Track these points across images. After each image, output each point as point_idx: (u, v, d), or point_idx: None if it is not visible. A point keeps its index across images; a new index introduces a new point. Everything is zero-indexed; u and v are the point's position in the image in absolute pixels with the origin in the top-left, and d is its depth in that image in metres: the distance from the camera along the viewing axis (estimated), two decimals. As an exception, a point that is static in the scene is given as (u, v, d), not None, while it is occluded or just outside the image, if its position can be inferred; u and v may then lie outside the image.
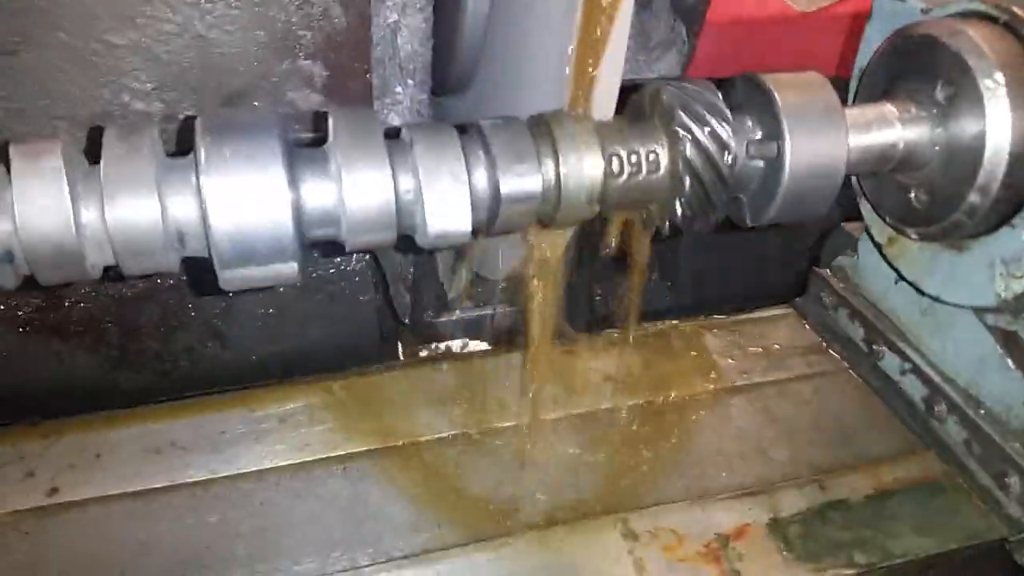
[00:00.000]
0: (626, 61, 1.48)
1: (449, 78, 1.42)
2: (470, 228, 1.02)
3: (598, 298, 2.28)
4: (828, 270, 1.73)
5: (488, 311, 1.81)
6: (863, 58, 1.39)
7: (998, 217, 1.18)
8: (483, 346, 1.82)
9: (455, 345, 1.84)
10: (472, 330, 1.82)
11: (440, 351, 1.83)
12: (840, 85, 1.45)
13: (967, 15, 1.20)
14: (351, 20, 1.28)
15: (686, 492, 1.42)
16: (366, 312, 1.82)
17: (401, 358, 1.83)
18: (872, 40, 1.37)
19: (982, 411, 1.41)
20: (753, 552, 1.32)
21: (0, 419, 1.50)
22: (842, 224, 1.70)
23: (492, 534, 1.33)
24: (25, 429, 1.46)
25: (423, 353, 1.83)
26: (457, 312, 1.81)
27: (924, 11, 1.27)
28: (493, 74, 1.41)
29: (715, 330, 1.76)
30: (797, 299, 1.82)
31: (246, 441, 1.46)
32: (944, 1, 1.25)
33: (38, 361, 1.67)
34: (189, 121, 0.99)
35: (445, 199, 1.00)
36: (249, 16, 1.23)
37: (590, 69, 1.21)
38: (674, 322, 1.79)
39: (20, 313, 1.55)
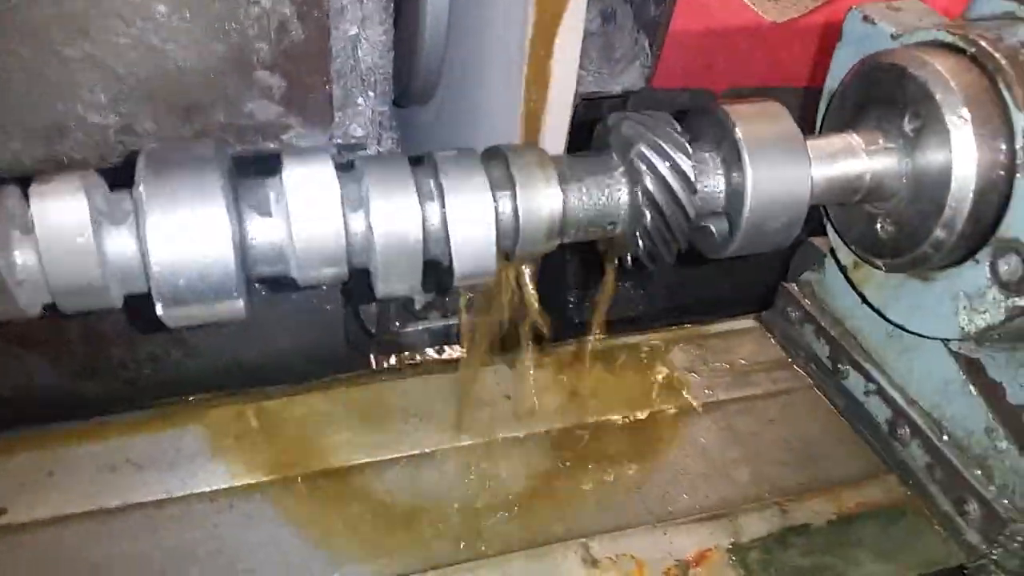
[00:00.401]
0: (590, 74, 1.47)
1: (411, 89, 1.39)
2: (419, 274, 1.00)
3: (571, 305, 2.27)
4: (795, 284, 1.72)
5: (455, 321, 1.79)
6: (833, 81, 1.37)
7: (963, 251, 1.17)
8: (456, 354, 1.80)
9: (428, 354, 1.82)
10: (439, 340, 1.80)
11: (410, 361, 1.81)
12: (811, 96, 1.44)
13: (935, 44, 1.18)
14: (309, 32, 1.25)
15: (648, 514, 1.41)
16: (333, 321, 1.80)
17: (373, 368, 1.81)
18: (842, 63, 1.35)
19: (944, 436, 1.41)
20: (713, 578, 1.32)
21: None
22: (810, 239, 1.69)
23: (449, 560, 1.31)
24: (-28, 447, 1.42)
25: (391, 363, 1.81)
26: (423, 322, 1.79)
27: (894, 36, 1.26)
28: (454, 85, 1.39)
29: (681, 344, 1.75)
30: (764, 312, 1.81)
31: (201, 459, 1.43)
32: (913, 27, 1.23)
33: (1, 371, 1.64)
34: (134, 154, 0.96)
35: (399, 238, 0.98)
36: (204, 29, 1.20)
37: (543, 82, 1.19)
38: (641, 335, 1.77)
39: (-20, 322, 1.51)
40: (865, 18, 1.30)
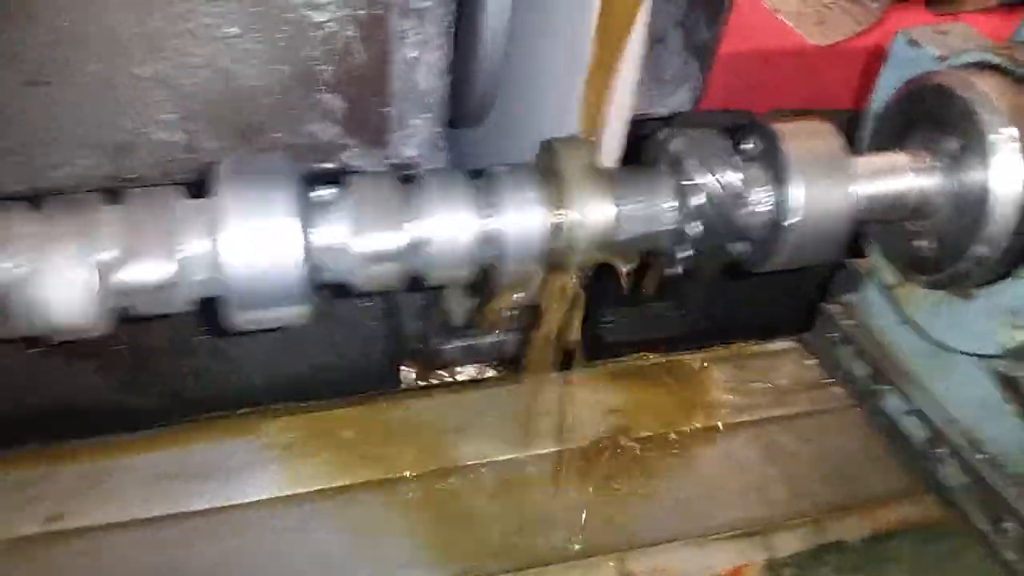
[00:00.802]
0: (638, 95, 1.51)
1: (466, 111, 1.44)
2: (470, 275, 1.04)
3: (609, 324, 2.28)
4: (835, 305, 1.75)
5: (496, 338, 1.82)
6: (877, 103, 1.41)
7: (1004, 267, 1.20)
8: (493, 372, 1.83)
9: (468, 371, 1.85)
10: (480, 357, 1.83)
11: (451, 378, 1.84)
12: (853, 119, 1.47)
13: (980, 66, 1.22)
14: (371, 56, 1.30)
15: (684, 530, 1.42)
16: (374, 337, 1.83)
17: (413, 384, 1.84)
18: (886, 85, 1.39)
19: (982, 455, 1.42)
20: (749, 593, 1.33)
21: (10, 441, 1.51)
22: (850, 260, 1.71)
23: (489, 572, 1.33)
24: (30, 454, 1.46)
25: (433, 380, 1.84)
26: (463, 339, 1.82)
27: (939, 59, 1.29)
28: (508, 107, 1.43)
29: (720, 363, 1.77)
30: (804, 333, 1.83)
31: (250, 469, 1.46)
32: (958, 50, 1.27)
33: (48, 383, 1.68)
34: (210, 164, 1.01)
35: (453, 247, 1.03)
36: (273, 51, 1.25)
37: (600, 104, 1.23)
38: (679, 355, 1.80)
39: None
40: (911, 41, 1.34)
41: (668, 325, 2.16)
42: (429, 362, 1.83)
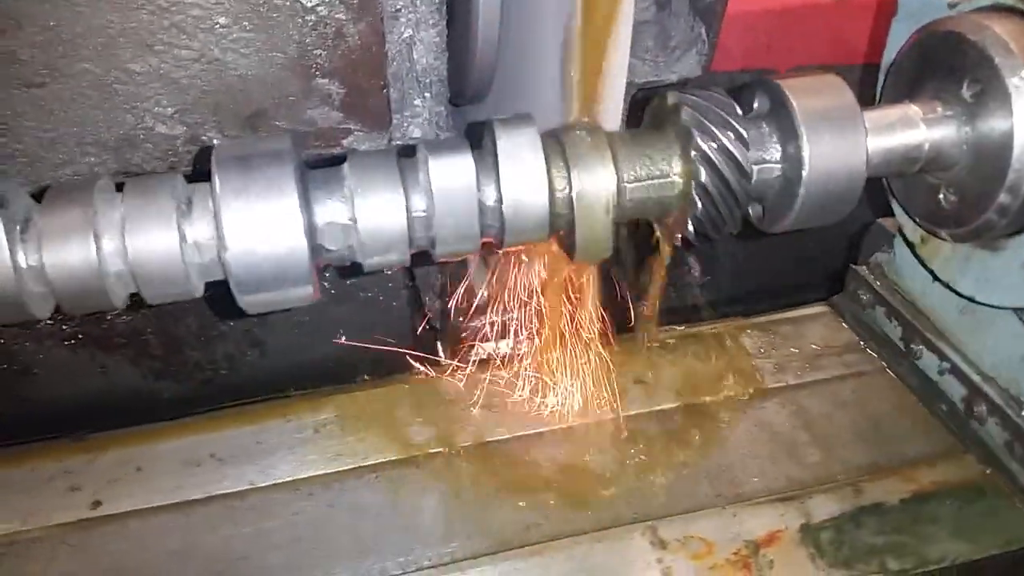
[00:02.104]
0: (645, 63, 1.47)
1: (466, 89, 1.42)
2: (478, 247, 1.02)
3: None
4: (865, 267, 1.69)
5: (516, 315, 1.80)
6: (889, 55, 1.35)
7: (1030, 216, 1.14)
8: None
9: (497, 347, 1.84)
10: (502, 334, 1.81)
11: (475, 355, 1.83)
12: (874, 73, 1.42)
13: (993, 9, 1.15)
14: (365, 38, 1.28)
15: (717, 498, 1.40)
16: (400, 317, 1.84)
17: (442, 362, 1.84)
18: (898, 36, 1.33)
19: (1023, 412, 1.36)
20: (784, 559, 1.31)
21: (49, 432, 1.56)
22: (879, 219, 1.66)
23: (521, 543, 1.33)
24: (70, 444, 1.51)
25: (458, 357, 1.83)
26: (488, 315, 1.80)
27: (951, 6, 1.23)
28: (508, 83, 1.41)
29: (750, 330, 1.74)
30: (835, 296, 1.79)
31: (281, 451, 1.49)
32: (970, -5, 1.20)
33: (83, 374, 1.73)
34: (207, 149, 1.01)
35: (455, 218, 1.01)
36: (264, 39, 1.25)
37: (596, 73, 1.20)
38: (710, 324, 1.76)
39: (65, 328, 1.60)
40: (920, -11, 1.28)
41: (695, 294, 2.12)
42: (454, 340, 1.82)
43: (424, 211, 1.01)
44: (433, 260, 1.07)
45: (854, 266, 1.72)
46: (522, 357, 1.68)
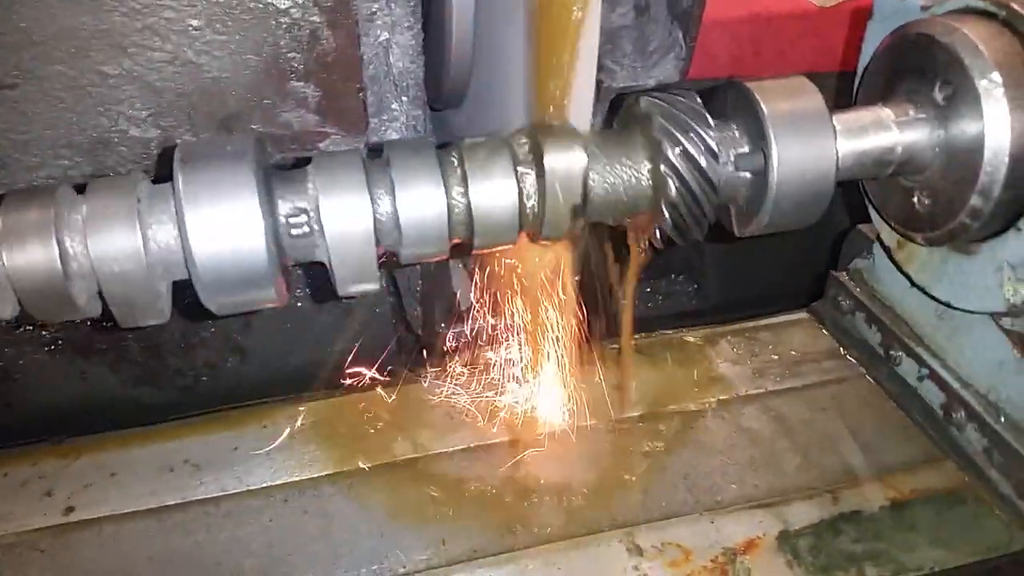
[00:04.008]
0: (623, 68, 1.47)
1: (443, 93, 1.42)
2: (447, 249, 1.02)
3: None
4: (845, 273, 1.69)
5: (498, 321, 1.80)
6: (865, 57, 1.35)
7: (1004, 220, 1.14)
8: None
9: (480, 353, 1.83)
10: (482, 340, 1.81)
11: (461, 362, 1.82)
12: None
13: (966, 12, 1.16)
14: (340, 41, 1.28)
15: (695, 504, 1.39)
16: (382, 323, 1.83)
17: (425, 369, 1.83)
18: (873, 39, 1.33)
19: (1002, 418, 1.36)
20: (761, 566, 1.29)
21: (28, 437, 1.55)
22: (858, 226, 1.66)
23: (496, 550, 1.32)
24: (45, 448, 1.50)
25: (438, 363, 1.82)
26: (467, 323, 1.80)
27: (924, 8, 1.23)
28: (483, 87, 1.41)
29: (730, 337, 1.73)
30: (815, 303, 1.78)
31: (257, 457, 1.48)
32: (943, -2, 1.20)
33: (63, 379, 1.72)
34: (172, 148, 1.01)
35: (422, 221, 1.01)
36: (238, 41, 1.24)
37: (560, 81, 1.20)
38: (689, 331, 1.76)
39: (45, 333, 1.59)
40: (895, -7, 1.28)
41: (679, 300, 2.12)
42: (435, 346, 1.81)
43: (390, 212, 1.00)
44: (400, 262, 1.06)
45: (834, 272, 1.71)
46: (504, 363, 1.68)
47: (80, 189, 0.99)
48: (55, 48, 1.20)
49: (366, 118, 1.39)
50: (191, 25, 1.21)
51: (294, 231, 1.00)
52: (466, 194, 1.02)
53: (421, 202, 1.02)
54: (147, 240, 0.94)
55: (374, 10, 1.31)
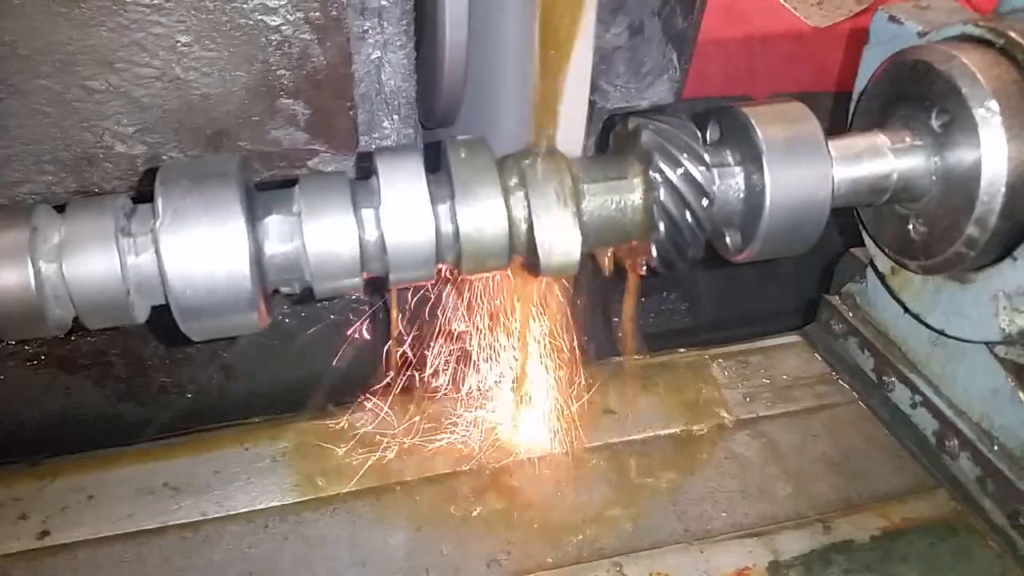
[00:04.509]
0: (617, 88, 1.46)
1: (435, 112, 1.40)
2: (433, 274, 1.00)
3: (615, 320, 2.24)
4: (838, 296, 1.68)
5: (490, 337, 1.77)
6: (861, 82, 1.35)
7: (1000, 249, 1.13)
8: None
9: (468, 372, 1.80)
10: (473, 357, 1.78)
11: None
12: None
13: (963, 39, 1.15)
14: (331, 59, 1.26)
15: (684, 533, 1.37)
16: (371, 342, 1.81)
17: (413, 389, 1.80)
18: (870, 64, 1.32)
19: (996, 447, 1.35)
20: (751, 597, 1.28)
21: (9, 454, 1.52)
22: (851, 249, 1.65)
23: (482, 580, 1.30)
24: (20, 471, 1.46)
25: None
26: (460, 341, 1.78)
27: (921, 34, 1.23)
28: (475, 107, 1.40)
29: (722, 360, 1.71)
30: (807, 326, 1.77)
31: (238, 481, 1.45)
32: (941, 24, 1.20)
33: (46, 395, 1.68)
34: (155, 169, 0.99)
35: (409, 245, 0.99)
36: (227, 58, 1.22)
37: (555, 101, 1.19)
38: (681, 351, 1.74)
39: (28, 348, 1.56)
40: (891, 18, 1.28)
41: (671, 318, 2.11)
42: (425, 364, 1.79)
43: (376, 236, 0.98)
44: (387, 287, 1.04)
45: (826, 295, 1.70)
46: (494, 383, 1.66)
47: (61, 208, 0.96)
48: (40, 62, 1.17)
49: (356, 136, 1.37)
50: (180, 41, 1.19)
51: (278, 255, 0.97)
52: (454, 216, 1.00)
53: (408, 226, 1.00)
54: (125, 264, 0.92)
55: (366, 28, 1.29)
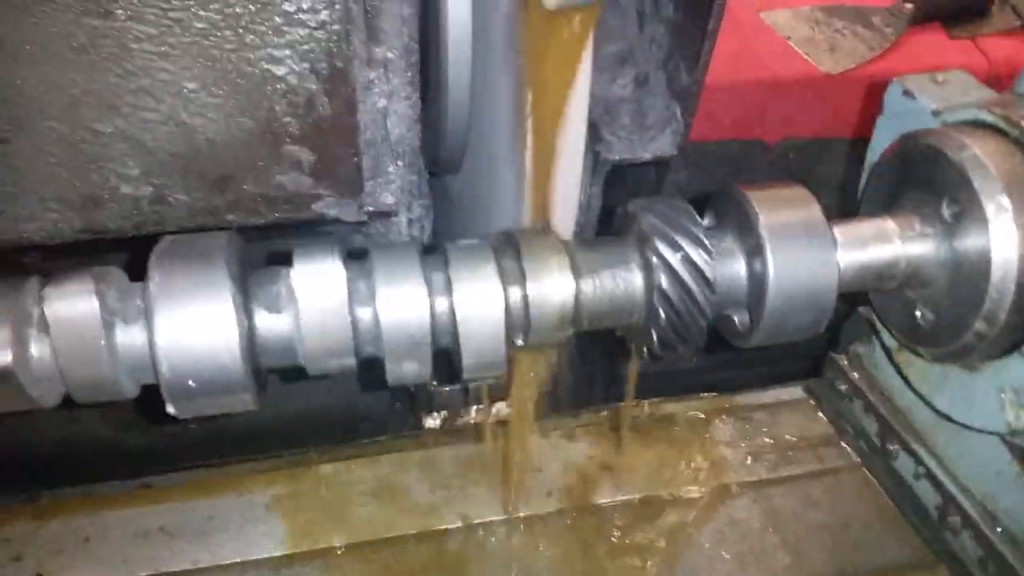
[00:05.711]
0: (620, 140, 1.45)
1: (439, 160, 1.39)
2: (429, 367, 1.00)
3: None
4: (844, 355, 1.64)
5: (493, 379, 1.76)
6: (873, 154, 1.32)
7: (1009, 343, 1.10)
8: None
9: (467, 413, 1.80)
10: (476, 399, 1.77)
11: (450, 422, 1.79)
12: (862, 147, 1.38)
13: (976, 124, 1.12)
14: (337, 108, 1.25)
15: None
16: (374, 380, 1.80)
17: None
18: (883, 136, 1.30)
19: (999, 528, 1.32)
20: (745, 672, 1.26)
21: (14, 483, 1.52)
22: (860, 308, 1.61)
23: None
24: (16, 509, 1.44)
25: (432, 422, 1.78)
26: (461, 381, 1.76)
27: (935, 112, 1.20)
28: (479, 155, 1.39)
29: (723, 415, 1.68)
30: (811, 380, 1.73)
31: (231, 529, 1.44)
32: (954, 105, 1.17)
33: (51, 424, 1.69)
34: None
35: (405, 330, 0.98)
36: (232, 105, 1.21)
37: (546, 191, 1.19)
38: (682, 404, 1.71)
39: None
40: (905, 92, 1.25)
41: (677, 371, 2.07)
42: (428, 405, 1.78)
43: (370, 320, 0.97)
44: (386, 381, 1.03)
45: (832, 354, 1.66)
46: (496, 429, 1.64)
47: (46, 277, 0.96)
48: (48, 104, 1.17)
49: (361, 181, 1.35)
50: (186, 87, 1.18)
51: (271, 336, 0.97)
52: (451, 304, 1.00)
53: (404, 314, 0.99)
54: (113, 343, 0.91)
55: (372, 78, 1.28)
